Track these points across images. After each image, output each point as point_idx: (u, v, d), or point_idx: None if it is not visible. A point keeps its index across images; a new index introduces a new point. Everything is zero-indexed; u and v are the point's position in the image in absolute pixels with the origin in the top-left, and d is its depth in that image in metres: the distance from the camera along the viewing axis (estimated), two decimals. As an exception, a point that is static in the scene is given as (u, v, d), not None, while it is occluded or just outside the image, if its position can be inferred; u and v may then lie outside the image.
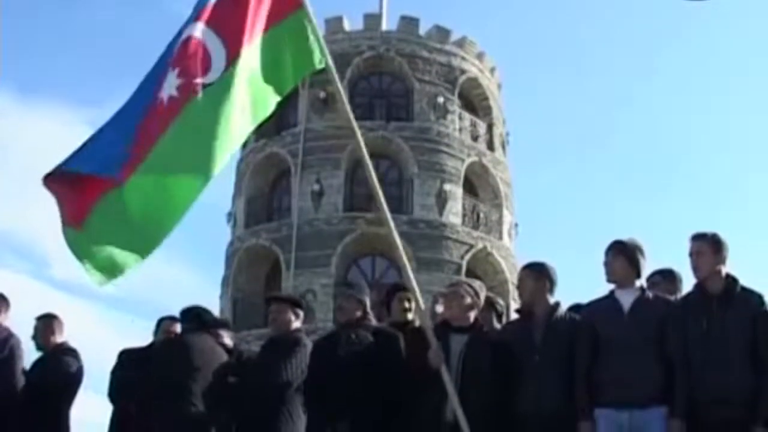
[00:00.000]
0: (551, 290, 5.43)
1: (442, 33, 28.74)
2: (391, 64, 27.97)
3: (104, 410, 7.00)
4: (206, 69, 4.83)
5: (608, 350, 5.07)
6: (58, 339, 7.05)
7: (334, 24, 27.37)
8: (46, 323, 7.06)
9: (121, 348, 7.09)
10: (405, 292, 6.11)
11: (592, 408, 5.05)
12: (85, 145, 4.82)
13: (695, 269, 5.16)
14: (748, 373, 4.85)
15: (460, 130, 28.03)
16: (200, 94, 4.76)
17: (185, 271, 59.33)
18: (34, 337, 7.06)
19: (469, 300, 5.46)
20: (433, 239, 25.63)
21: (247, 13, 4.95)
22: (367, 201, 25.15)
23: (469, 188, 27.89)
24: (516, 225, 29.21)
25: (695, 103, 64.87)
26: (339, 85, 5.44)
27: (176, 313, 6.83)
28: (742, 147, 61.10)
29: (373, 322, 6.02)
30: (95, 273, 4.55)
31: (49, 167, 4.71)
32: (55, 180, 4.71)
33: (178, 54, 4.90)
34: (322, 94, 26.35)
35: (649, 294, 5.23)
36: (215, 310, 7.27)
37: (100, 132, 4.87)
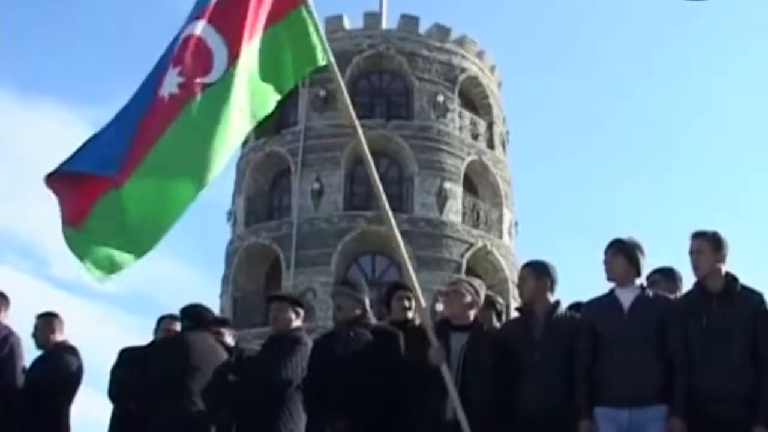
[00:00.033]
0: (552, 289, 5.43)
1: (442, 31, 28.74)
2: (391, 62, 27.97)
3: (104, 408, 7.01)
4: (208, 68, 4.83)
5: (608, 349, 5.06)
6: (59, 337, 7.05)
7: (334, 22, 27.35)
8: (47, 321, 7.07)
9: (121, 347, 7.11)
10: (405, 291, 6.11)
11: (591, 406, 5.05)
12: (86, 144, 4.82)
13: (695, 267, 5.16)
14: (748, 372, 4.85)
15: (460, 128, 28.03)
16: (201, 95, 4.76)
17: (185, 269, 59.38)
18: (35, 335, 7.07)
19: (469, 298, 5.46)
20: (433, 238, 25.64)
21: (248, 12, 4.94)
22: (366, 200, 25.19)
23: (469, 187, 27.90)
24: (516, 223, 29.22)
25: (695, 101, 64.94)
26: (341, 82, 5.43)
27: (176, 311, 6.84)
28: (742, 145, 61.15)
29: (373, 320, 6.02)
30: (94, 270, 4.56)
31: (49, 166, 4.72)
32: (56, 180, 4.72)
33: (179, 52, 4.90)
34: (322, 93, 26.37)
35: (649, 292, 5.23)
36: (215, 309, 7.28)
37: (102, 132, 4.87)
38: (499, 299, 6.49)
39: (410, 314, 6.11)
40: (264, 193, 28.00)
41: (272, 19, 5.05)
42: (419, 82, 27.67)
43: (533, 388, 5.13)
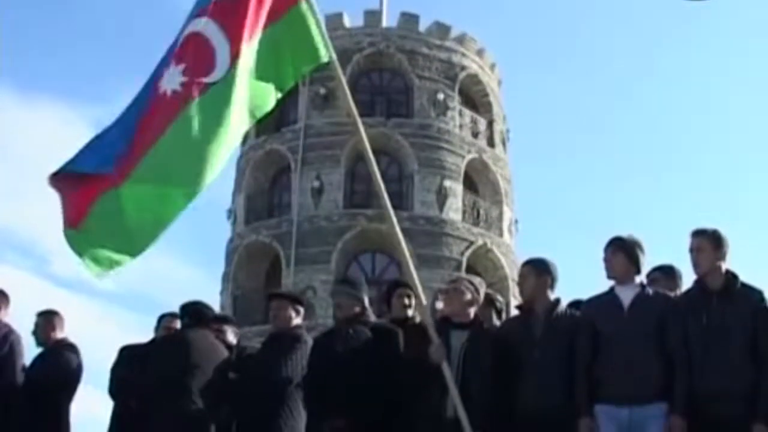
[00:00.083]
0: (552, 286, 5.43)
1: (442, 29, 28.72)
2: (391, 60, 27.96)
3: (104, 406, 7.02)
4: (211, 67, 4.81)
5: (608, 346, 5.06)
6: (59, 335, 7.06)
7: (334, 20, 27.31)
8: (47, 319, 7.08)
9: (120, 344, 7.11)
10: (405, 289, 6.11)
11: (592, 404, 5.05)
12: (88, 144, 4.82)
13: (695, 265, 5.16)
14: (748, 369, 4.85)
15: (461, 126, 28.03)
16: (203, 95, 4.74)
17: (185, 267, 59.41)
18: (35, 333, 7.07)
19: (469, 296, 5.46)
20: (434, 236, 25.63)
21: (248, 10, 4.93)
22: (367, 198, 25.19)
23: (470, 185, 27.89)
24: (516, 221, 29.22)
25: (695, 99, 64.92)
26: (343, 78, 5.42)
27: (176, 309, 6.84)
28: (742, 143, 61.14)
29: (372, 318, 6.02)
30: (93, 267, 4.56)
31: (49, 165, 4.73)
32: (59, 180, 4.72)
33: (182, 49, 4.89)
34: (322, 91, 26.37)
35: (649, 290, 5.23)
36: (215, 307, 7.27)
37: (105, 131, 4.87)
38: (499, 297, 6.49)
39: (410, 312, 6.11)
40: (264, 191, 27.99)
41: (273, 16, 5.04)
42: (419, 80, 27.66)
43: (533, 386, 5.13)
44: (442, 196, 26.39)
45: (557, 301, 5.41)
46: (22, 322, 7.02)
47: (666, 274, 5.81)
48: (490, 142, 28.95)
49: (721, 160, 61.36)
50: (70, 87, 63.21)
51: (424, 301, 5.40)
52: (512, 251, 27.64)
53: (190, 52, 4.88)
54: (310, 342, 6.07)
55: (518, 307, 5.63)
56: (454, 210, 26.57)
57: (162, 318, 7.17)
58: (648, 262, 5.41)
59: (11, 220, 63.04)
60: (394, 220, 5.32)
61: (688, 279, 5.54)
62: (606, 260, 5.31)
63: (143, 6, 64.83)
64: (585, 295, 5.53)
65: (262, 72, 4.96)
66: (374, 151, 5.56)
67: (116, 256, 4.58)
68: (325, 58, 5.15)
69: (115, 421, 6.78)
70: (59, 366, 6.91)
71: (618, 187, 61.46)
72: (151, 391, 6.24)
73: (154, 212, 4.64)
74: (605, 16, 64.96)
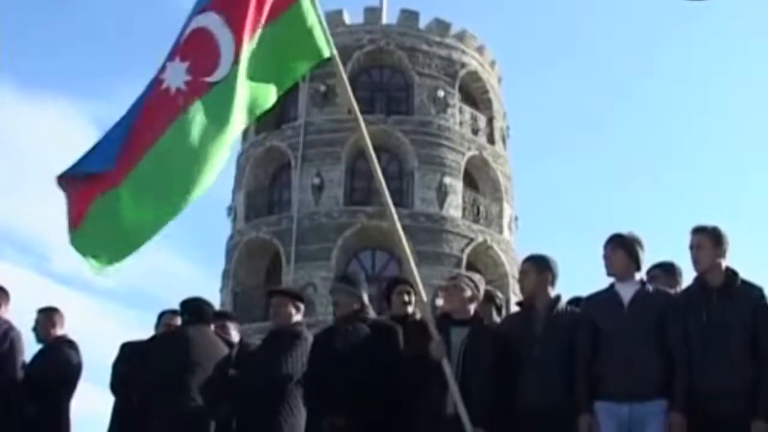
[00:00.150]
0: (553, 283, 5.43)
1: (442, 26, 28.71)
2: (391, 57, 27.95)
3: (104, 403, 7.03)
4: (215, 65, 4.79)
5: (608, 343, 5.07)
6: (59, 331, 7.07)
7: (334, 17, 27.28)
8: (47, 315, 7.09)
9: (120, 341, 7.13)
10: (405, 285, 6.11)
11: (592, 401, 5.05)
12: (94, 145, 4.82)
13: (695, 262, 5.16)
14: (748, 366, 4.85)
15: (461, 123, 28.02)
16: (206, 94, 4.73)
17: (185, 264, 59.42)
18: (35, 330, 7.09)
19: (469, 293, 5.46)
20: (434, 233, 25.63)
21: (250, 5, 4.91)
22: (367, 195, 25.20)
23: (470, 182, 27.89)
24: (516, 218, 29.22)
25: (695, 96, 64.90)
26: (343, 74, 5.41)
27: (176, 306, 6.85)
28: (741, 141, 61.11)
29: (371, 314, 6.02)
30: (94, 265, 4.57)
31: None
32: (66, 182, 4.73)
33: (188, 45, 4.88)
34: (322, 88, 26.37)
35: (649, 287, 5.23)
36: (216, 304, 7.28)
37: (110, 130, 4.87)
38: (499, 294, 6.49)
39: (410, 309, 6.11)
40: (264, 188, 27.99)
41: (274, 13, 5.02)
42: (419, 77, 27.65)
43: (533, 383, 5.13)
44: (442, 193, 26.39)
45: (558, 297, 5.41)
46: (22, 319, 7.04)
47: (666, 271, 5.81)
48: (490, 139, 28.94)
49: (720, 156, 61.45)
50: (71, 84, 63.25)
51: (425, 298, 5.40)
52: (512, 248, 27.65)
53: (195, 48, 4.86)
54: (310, 339, 6.07)
55: (519, 304, 5.63)
56: (454, 207, 26.58)
57: (162, 315, 7.19)
58: (648, 259, 5.41)
59: (11, 217, 63.06)
60: (395, 216, 5.32)
61: (688, 276, 5.55)
62: (606, 257, 5.31)
63: (143, 5, 64.82)
64: (585, 292, 5.54)
65: (262, 69, 4.94)
66: (374, 149, 5.57)
67: (114, 255, 4.58)
68: (326, 54, 5.13)
69: (116, 417, 6.79)
70: (59, 362, 6.92)
71: (618, 184, 61.51)
72: (151, 388, 6.25)
73: (153, 212, 4.63)
74: (605, 14, 64.99)
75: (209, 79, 4.78)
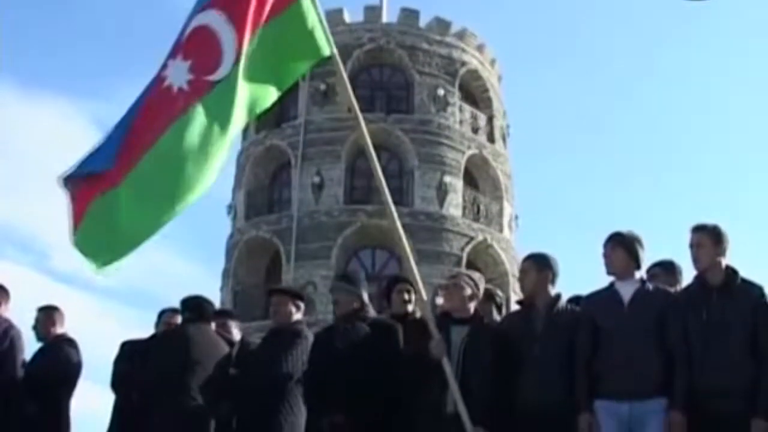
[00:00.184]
0: (553, 282, 5.43)
1: (442, 25, 28.71)
2: (391, 56, 27.94)
3: (104, 401, 7.03)
4: (217, 63, 4.77)
5: (608, 342, 5.06)
6: (59, 330, 7.07)
7: (334, 16, 27.27)
8: (48, 314, 7.09)
9: (120, 340, 7.13)
10: (404, 284, 6.11)
11: (592, 400, 5.05)
12: (96, 146, 4.82)
13: (695, 261, 5.15)
14: (747, 365, 4.85)
15: (461, 122, 28.02)
16: (208, 94, 4.72)
17: (185, 263, 59.41)
18: (35, 328, 7.09)
19: (469, 291, 5.46)
20: (434, 231, 25.63)
21: (251, 4, 4.90)
22: (367, 193, 25.19)
23: (470, 180, 27.89)
24: (516, 217, 29.23)
25: (695, 96, 64.88)
26: (343, 73, 5.41)
27: (176, 305, 6.85)
28: (741, 139, 61.10)
29: (371, 313, 6.02)
30: (95, 264, 4.57)
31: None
32: (68, 182, 4.72)
33: (189, 42, 4.86)
34: (322, 87, 26.37)
35: (649, 286, 5.23)
36: (216, 303, 7.28)
37: (112, 130, 4.86)
38: (499, 292, 6.49)
39: (410, 307, 6.11)
40: (264, 186, 27.98)
41: (275, 11, 5.01)
42: (419, 76, 27.64)
43: (534, 382, 5.13)
44: (442, 191, 26.39)
45: (558, 296, 5.41)
46: (22, 317, 7.04)
47: (666, 269, 5.81)
48: (491, 138, 28.94)
49: (721, 154, 61.41)
50: (71, 83, 63.22)
51: (425, 297, 5.40)
52: (512, 247, 27.65)
53: (197, 46, 4.85)
54: (310, 337, 6.07)
55: (519, 302, 5.63)
56: (454, 206, 26.58)
57: (162, 313, 7.19)
58: (648, 257, 5.41)
59: (11, 216, 63.07)
60: (395, 215, 5.32)
61: (688, 275, 5.55)
62: (606, 256, 5.31)
63: (143, 5, 64.78)
64: (585, 290, 5.54)
65: (263, 68, 4.93)
66: (374, 147, 5.56)
67: (113, 255, 4.58)
68: (326, 53, 5.12)
69: (116, 415, 6.80)
70: (59, 361, 6.93)
71: (618, 183, 61.52)
72: (151, 387, 6.25)
73: (153, 213, 4.62)
74: (606, 13, 64.97)
75: (211, 78, 4.77)
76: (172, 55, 4.87)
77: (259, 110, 4.96)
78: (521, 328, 5.35)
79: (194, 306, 6.52)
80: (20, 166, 59.43)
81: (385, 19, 28.62)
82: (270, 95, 4.98)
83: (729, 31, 62.58)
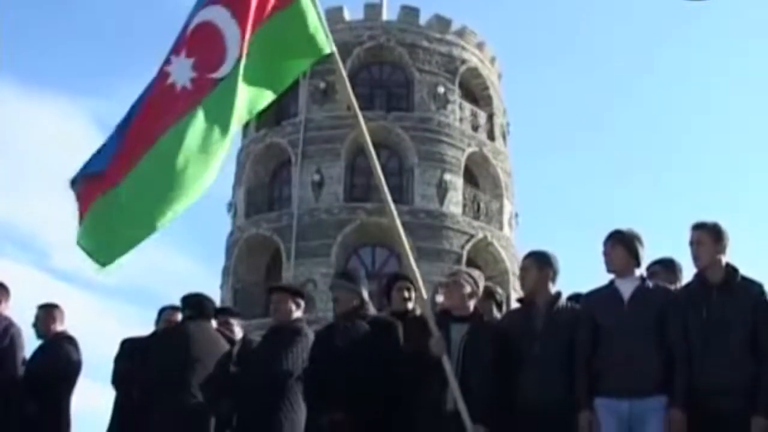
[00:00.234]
0: (554, 280, 5.43)
1: (442, 23, 28.69)
2: (391, 54, 27.93)
3: (104, 398, 7.04)
4: (221, 60, 4.75)
5: (608, 339, 5.06)
6: (59, 327, 7.08)
7: (334, 14, 27.27)
8: (48, 311, 7.10)
9: (120, 338, 7.14)
10: (405, 282, 6.11)
11: (592, 397, 5.05)
12: (100, 148, 4.82)
13: (695, 258, 5.15)
14: (747, 363, 4.85)
15: (461, 120, 28.01)
16: (211, 93, 4.71)
17: (186, 261, 59.39)
18: (35, 325, 7.10)
19: (469, 289, 5.46)
20: (434, 229, 25.63)
21: (253, 0, 4.88)
22: (367, 191, 25.19)
23: (470, 178, 27.89)
24: (516, 215, 29.22)
25: (695, 95, 64.87)
26: (343, 71, 5.40)
27: (176, 303, 6.85)
28: (741, 137, 61.10)
29: (371, 310, 6.02)
30: (96, 263, 4.57)
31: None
32: (75, 184, 4.73)
33: (192, 39, 4.85)
34: (322, 85, 26.36)
35: (649, 283, 5.23)
36: (216, 300, 7.28)
37: (113, 131, 4.86)
38: (499, 290, 6.50)
39: (410, 305, 6.11)
40: (264, 184, 27.99)
41: (275, 10, 5.00)
42: (419, 74, 27.64)
43: (534, 380, 5.13)
44: (442, 189, 26.39)
45: (558, 294, 5.41)
46: (22, 315, 7.05)
47: (666, 267, 5.81)
48: (491, 136, 28.93)
49: (721, 152, 61.41)
50: (71, 82, 63.13)
51: (425, 295, 5.40)
52: (512, 245, 27.65)
53: (201, 43, 4.83)
54: (310, 335, 6.07)
55: (519, 300, 5.63)
56: (454, 203, 26.58)
57: (162, 311, 7.19)
58: (648, 255, 5.41)
59: (11, 214, 63.08)
60: (395, 213, 5.32)
61: (688, 272, 5.55)
62: (605, 254, 5.31)
63: (143, 4, 64.75)
64: (585, 288, 5.54)
65: (263, 67, 4.91)
66: (374, 145, 5.56)
67: (113, 253, 4.58)
68: (326, 51, 5.11)
69: (116, 413, 6.80)
70: (59, 359, 6.93)
71: (618, 181, 61.50)
72: (151, 385, 6.25)
73: (153, 213, 4.61)
74: (606, 12, 64.91)
75: (214, 76, 4.75)
76: (176, 50, 4.86)
77: (259, 108, 4.95)
78: (521, 326, 5.35)
79: (195, 303, 6.52)
80: (20, 164, 59.45)
81: (385, 16, 28.60)
82: (270, 94, 4.97)
83: (729, 31, 62.59)
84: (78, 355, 7.06)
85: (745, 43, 61.85)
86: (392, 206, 5.30)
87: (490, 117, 29.25)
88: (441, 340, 5.15)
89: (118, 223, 4.60)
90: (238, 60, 4.76)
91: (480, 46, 29.53)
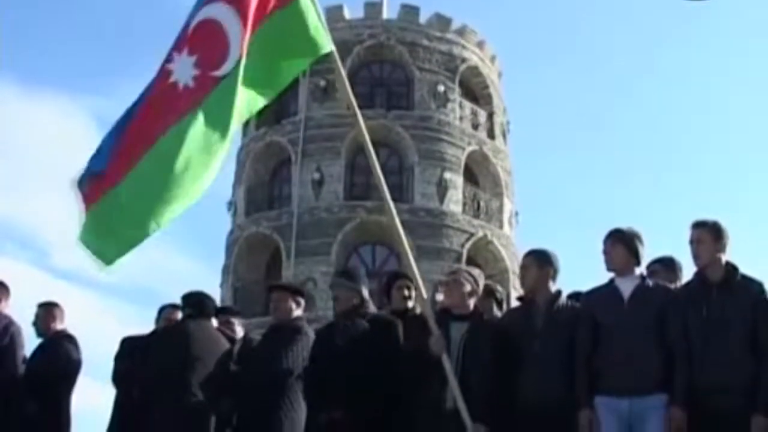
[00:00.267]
0: (554, 278, 5.43)
1: (442, 21, 28.69)
2: (391, 52, 27.93)
3: (104, 397, 7.03)
4: (224, 57, 4.74)
5: (608, 338, 5.06)
6: (59, 326, 7.08)
7: (334, 12, 27.27)
8: (48, 310, 7.10)
9: (120, 336, 7.13)
10: (404, 280, 6.11)
11: (592, 396, 5.05)
12: (99, 147, 4.81)
13: (695, 257, 5.15)
14: (747, 362, 4.84)
15: (461, 118, 28.01)
16: (212, 92, 4.70)
17: (185, 259, 59.39)
18: (35, 324, 7.10)
19: (468, 287, 5.46)
20: (434, 228, 25.64)
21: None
22: (367, 190, 25.19)
23: (470, 177, 27.89)
24: (516, 213, 29.23)
25: (695, 95, 64.85)
26: (342, 70, 5.40)
27: (176, 301, 6.85)
28: (741, 137, 61.09)
29: (371, 309, 6.02)
30: (98, 262, 4.57)
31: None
32: (79, 186, 4.72)
33: (195, 36, 4.84)
34: (322, 83, 26.34)
35: (649, 282, 5.23)
36: (216, 299, 7.28)
37: (111, 129, 4.85)
38: (499, 288, 6.49)
39: (410, 303, 6.11)
40: (264, 182, 27.99)
41: (275, 8, 5.00)
42: (420, 72, 27.64)
43: (534, 378, 5.13)
44: (442, 188, 26.39)
45: (559, 292, 5.40)
46: (22, 314, 7.05)
47: (666, 266, 5.81)
48: (491, 134, 28.94)
49: (721, 151, 61.41)
50: (72, 81, 63.11)
51: (425, 293, 5.39)
52: (512, 243, 27.66)
53: (203, 41, 4.82)
54: (310, 334, 6.07)
55: (519, 299, 5.63)
56: (454, 202, 26.58)
57: (162, 309, 7.19)
58: (648, 254, 5.41)
59: (11, 213, 63.08)
60: (394, 212, 5.32)
61: (688, 271, 5.55)
62: (605, 252, 5.31)
63: (143, 3, 64.71)
64: (585, 287, 5.54)
65: (263, 65, 4.90)
66: (374, 143, 5.56)
67: (114, 252, 4.58)
68: (326, 50, 5.11)
69: (117, 411, 6.80)
70: (59, 357, 6.93)
71: (618, 180, 61.47)
72: (151, 383, 6.25)
73: (153, 213, 4.61)
74: (606, 11, 64.87)
75: (217, 74, 4.74)
76: (177, 48, 4.85)
77: (258, 107, 4.95)
78: (521, 325, 5.35)
79: (195, 302, 6.52)
80: (20, 163, 59.43)
81: (385, 15, 28.59)
82: (270, 92, 4.97)
83: (729, 31, 62.55)
84: (78, 354, 7.06)
85: (745, 43, 61.87)
86: (392, 205, 5.30)
87: (490, 115, 29.25)
88: (441, 338, 5.15)
89: (118, 223, 4.60)
90: (239, 60, 4.75)
91: (480, 44, 29.53)
